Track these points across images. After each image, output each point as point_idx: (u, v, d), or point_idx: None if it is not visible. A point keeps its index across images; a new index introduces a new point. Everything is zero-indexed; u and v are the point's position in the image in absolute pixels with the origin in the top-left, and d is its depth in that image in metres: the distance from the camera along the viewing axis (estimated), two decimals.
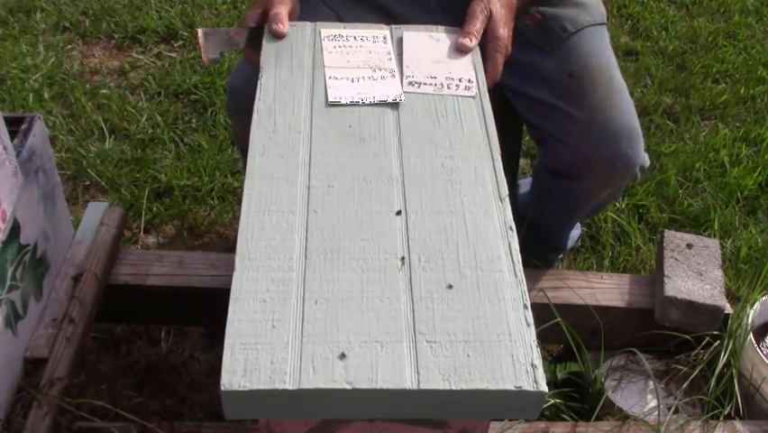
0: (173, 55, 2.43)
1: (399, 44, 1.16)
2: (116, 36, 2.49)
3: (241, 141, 1.45)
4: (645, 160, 1.40)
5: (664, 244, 1.53)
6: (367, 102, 1.06)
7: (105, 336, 1.55)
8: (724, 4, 2.98)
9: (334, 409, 0.77)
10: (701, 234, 1.76)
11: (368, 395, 0.75)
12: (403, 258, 0.87)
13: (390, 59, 1.13)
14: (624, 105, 1.35)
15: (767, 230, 2.01)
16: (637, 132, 1.36)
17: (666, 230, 1.58)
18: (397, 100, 1.06)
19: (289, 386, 0.74)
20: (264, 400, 0.75)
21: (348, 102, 1.06)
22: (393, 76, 1.10)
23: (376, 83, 1.09)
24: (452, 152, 1.00)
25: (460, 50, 1.13)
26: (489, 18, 1.14)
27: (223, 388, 0.73)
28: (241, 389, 0.74)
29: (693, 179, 2.14)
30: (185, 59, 2.41)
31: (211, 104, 2.22)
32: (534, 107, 1.38)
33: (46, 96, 2.19)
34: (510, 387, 0.76)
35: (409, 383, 0.75)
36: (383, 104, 1.06)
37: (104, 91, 2.24)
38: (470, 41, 1.13)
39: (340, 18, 1.34)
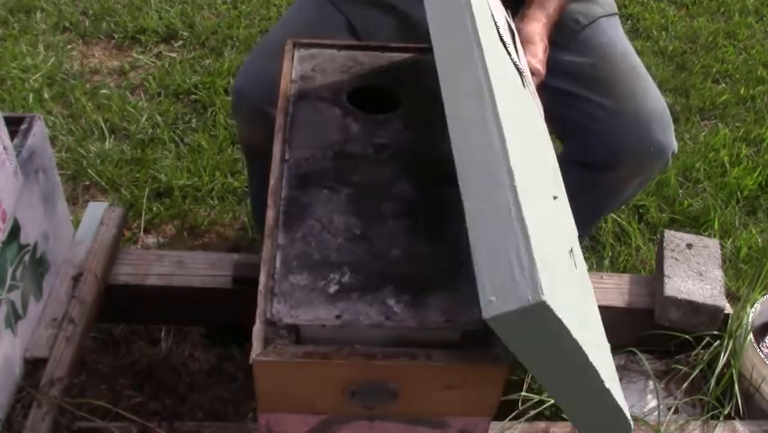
0: (173, 55, 2.43)
1: None
2: (116, 36, 2.49)
3: (246, 142, 1.43)
4: (675, 145, 1.38)
5: (664, 244, 1.53)
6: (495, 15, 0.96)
7: (105, 336, 1.55)
8: (724, 4, 2.97)
9: (536, 346, 0.70)
10: (701, 234, 1.76)
11: (569, 342, 0.69)
12: None
13: None
14: (650, 90, 1.34)
15: (767, 230, 2.01)
16: (668, 116, 1.35)
17: (666, 230, 1.58)
18: (503, 37, 0.97)
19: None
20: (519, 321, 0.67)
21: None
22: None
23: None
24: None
25: (534, 74, 1.10)
26: (546, 49, 1.14)
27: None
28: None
29: (693, 179, 2.14)
30: (185, 59, 2.41)
31: (211, 104, 2.22)
32: (558, 98, 1.34)
33: (46, 96, 2.19)
34: None
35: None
36: (496, 27, 0.96)
37: (104, 91, 2.24)
38: (542, 68, 1.12)
39: (349, 20, 1.33)
